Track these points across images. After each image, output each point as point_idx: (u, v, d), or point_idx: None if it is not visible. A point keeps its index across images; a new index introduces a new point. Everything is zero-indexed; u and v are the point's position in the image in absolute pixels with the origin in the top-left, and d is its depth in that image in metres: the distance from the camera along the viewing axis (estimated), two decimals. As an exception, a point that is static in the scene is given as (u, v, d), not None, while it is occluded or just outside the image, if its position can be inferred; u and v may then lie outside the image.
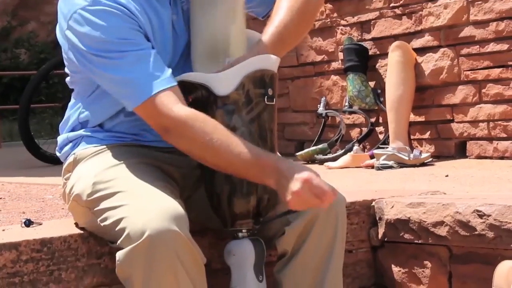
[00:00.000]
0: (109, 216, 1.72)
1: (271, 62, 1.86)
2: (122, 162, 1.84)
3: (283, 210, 1.86)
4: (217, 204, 1.84)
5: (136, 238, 1.62)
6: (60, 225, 2.07)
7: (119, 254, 1.66)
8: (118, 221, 1.68)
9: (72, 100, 2.05)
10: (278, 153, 1.91)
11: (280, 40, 1.90)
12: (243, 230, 1.83)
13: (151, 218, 1.62)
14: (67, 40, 1.90)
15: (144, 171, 1.81)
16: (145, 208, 1.65)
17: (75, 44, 1.87)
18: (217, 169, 1.81)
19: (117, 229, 1.67)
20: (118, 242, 1.66)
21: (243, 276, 1.80)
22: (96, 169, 1.85)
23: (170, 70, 1.83)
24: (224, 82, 1.82)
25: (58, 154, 2.04)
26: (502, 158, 4.31)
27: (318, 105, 5.28)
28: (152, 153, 1.92)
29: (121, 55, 1.80)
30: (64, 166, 1.99)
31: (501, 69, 4.29)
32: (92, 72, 1.88)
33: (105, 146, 1.92)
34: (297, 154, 5.03)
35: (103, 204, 1.75)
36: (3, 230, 2.08)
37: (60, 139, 2.03)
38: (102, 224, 1.76)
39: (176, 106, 1.78)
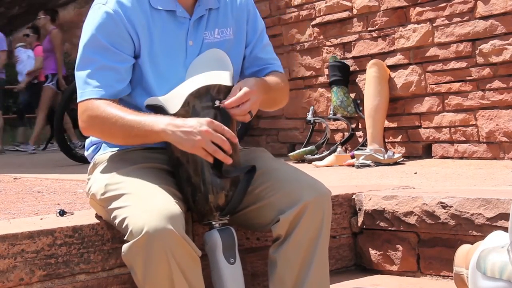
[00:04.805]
0: (117, 215, 1.72)
1: (216, 77, 1.81)
2: (130, 166, 1.84)
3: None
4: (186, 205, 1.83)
5: (137, 234, 1.62)
6: (89, 215, 2.06)
7: (123, 247, 1.66)
8: (124, 219, 1.68)
9: None
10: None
11: (263, 85, 1.88)
12: (213, 223, 1.82)
13: (150, 218, 1.62)
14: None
15: (148, 174, 1.80)
16: (145, 209, 1.65)
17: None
18: (126, 144, 1.87)
19: (123, 226, 1.67)
20: (125, 237, 1.66)
21: (215, 260, 1.80)
22: (108, 172, 1.85)
23: (120, 87, 1.86)
24: (172, 102, 1.79)
25: (85, 153, 2.04)
26: (461, 158, 4.31)
27: (307, 113, 5.28)
28: (156, 155, 1.90)
29: (98, 59, 1.84)
30: (88, 168, 2.00)
31: (461, 83, 4.29)
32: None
33: (119, 152, 1.92)
34: (289, 154, 5.04)
35: (113, 204, 1.75)
36: (41, 218, 2.08)
37: (87, 141, 2.02)
38: (113, 222, 1.76)
39: (88, 112, 1.83)
